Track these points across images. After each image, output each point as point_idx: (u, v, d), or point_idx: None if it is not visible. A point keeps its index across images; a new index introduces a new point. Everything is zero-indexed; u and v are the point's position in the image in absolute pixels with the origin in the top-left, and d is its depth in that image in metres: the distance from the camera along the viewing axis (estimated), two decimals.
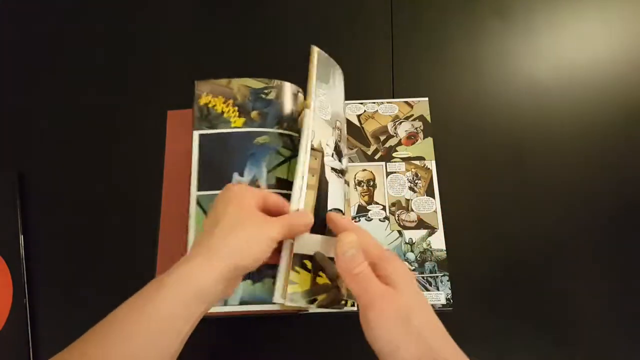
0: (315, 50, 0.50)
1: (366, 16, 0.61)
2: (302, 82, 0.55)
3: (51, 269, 0.53)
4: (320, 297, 0.40)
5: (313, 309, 0.42)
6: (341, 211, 0.45)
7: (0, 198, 0.54)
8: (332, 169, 0.46)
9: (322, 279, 0.41)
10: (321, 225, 0.42)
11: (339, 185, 0.47)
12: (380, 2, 0.61)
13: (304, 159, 0.43)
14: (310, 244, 0.41)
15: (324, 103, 0.48)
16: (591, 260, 0.50)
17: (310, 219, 0.40)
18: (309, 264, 0.41)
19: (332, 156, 0.47)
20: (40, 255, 0.53)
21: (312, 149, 0.44)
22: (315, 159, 0.45)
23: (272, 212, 0.38)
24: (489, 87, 0.57)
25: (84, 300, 0.51)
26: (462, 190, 0.53)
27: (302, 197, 0.41)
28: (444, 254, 0.49)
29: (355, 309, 0.47)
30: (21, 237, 0.53)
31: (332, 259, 0.39)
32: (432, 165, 0.53)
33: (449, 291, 0.48)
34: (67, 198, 0.55)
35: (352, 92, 0.56)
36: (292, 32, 0.61)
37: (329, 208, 0.44)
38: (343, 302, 0.42)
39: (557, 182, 0.53)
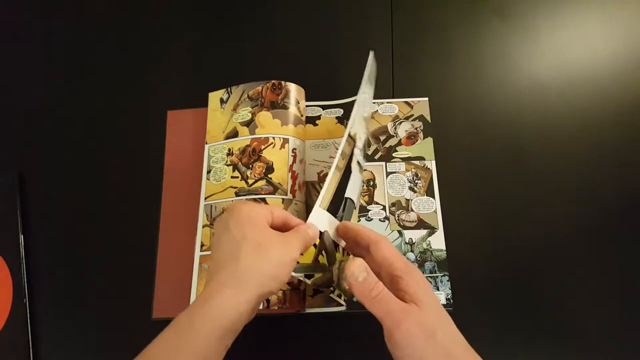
0: (372, 54, 0.52)
1: (366, 16, 0.61)
2: (301, 81, 0.55)
3: (51, 269, 0.53)
4: (317, 275, 0.40)
5: (307, 284, 0.41)
6: (353, 202, 0.46)
7: (0, 198, 0.54)
8: (357, 161, 0.47)
9: (322, 259, 0.40)
10: (335, 210, 0.42)
11: (358, 177, 0.47)
12: (380, 2, 0.61)
13: (342, 143, 0.45)
14: (323, 221, 0.40)
15: (366, 100, 0.50)
16: (591, 260, 0.50)
17: (317, 231, 0.39)
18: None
19: (360, 150, 0.48)
20: (40, 255, 0.53)
21: (349, 135, 0.46)
22: (349, 145, 0.46)
23: (278, 226, 0.38)
24: (489, 87, 0.57)
25: (84, 300, 0.51)
26: (462, 190, 0.52)
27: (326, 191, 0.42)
28: (443, 254, 0.49)
29: (343, 308, 0.47)
30: (21, 237, 0.53)
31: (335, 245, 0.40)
32: (432, 165, 0.53)
33: (449, 291, 0.48)
34: (67, 198, 0.55)
35: (353, 92, 0.56)
36: (292, 32, 0.61)
37: (345, 196, 0.44)
38: (332, 289, 0.42)
39: (558, 182, 0.53)
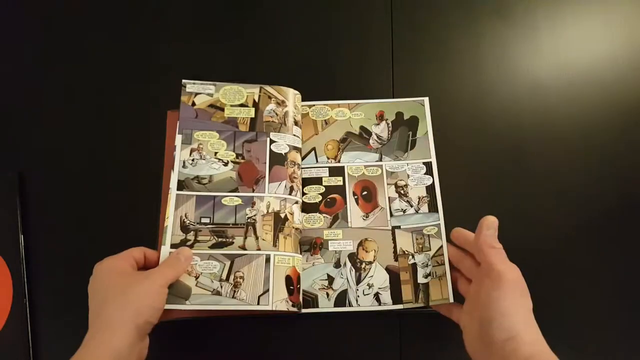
0: None
1: (366, 16, 0.61)
2: (301, 81, 0.55)
3: (51, 269, 0.53)
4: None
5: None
6: None
7: (0, 198, 0.54)
8: None
9: None
10: None
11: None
12: (380, 2, 0.61)
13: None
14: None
15: None
16: (592, 260, 0.50)
17: (188, 253, 0.45)
18: None
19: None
20: (40, 255, 0.53)
21: None
22: None
23: (151, 263, 0.45)
24: (489, 86, 0.57)
25: (84, 300, 0.51)
26: (462, 190, 0.53)
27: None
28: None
29: (352, 308, 0.47)
30: (21, 237, 0.53)
31: None
32: (432, 165, 0.53)
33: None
34: (67, 198, 0.55)
35: (352, 93, 0.56)
36: (292, 32, 0.61)
37: None
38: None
39: (558, 182, 0.53)
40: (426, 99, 0.55)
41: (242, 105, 0.52)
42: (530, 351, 0.35)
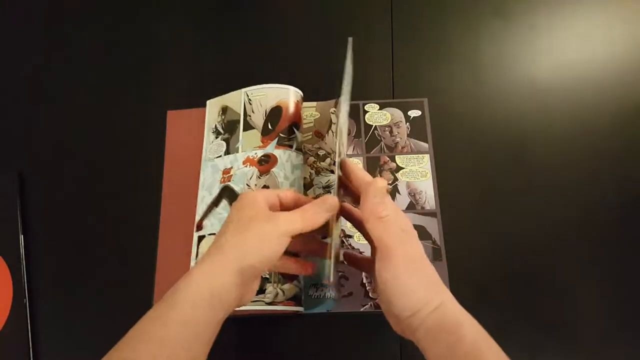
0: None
1: (366, 16, 0.61)
2: (302, 81, 0.55)
3: (51, 269, 0.53)
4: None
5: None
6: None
7: (0, 198, 0.54)
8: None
9: None
10: None
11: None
12: (380, 2, 0.61)
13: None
14: None
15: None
16: (592, 259, 0.50)
17: (333, 201, 0.37)
18: None
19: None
20: (40, 255, 0.53)
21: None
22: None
23: (289, 209, 0.38)
24: (489, 87, 0.57)
25: (83, 300, 0.51)
26: (461, 191, 0.53)
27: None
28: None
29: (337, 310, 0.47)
30: (21, 237, 0.53)
31: None
32: (431, 164, 0.53)
33: None
34: (67, 198, 0.55)
35: (352, 93, 0.56)
36: (292, 32, 0.61)
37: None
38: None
39: (558, 182, 0.53)
40: (425, 100, 0.55)
41: None
42: (433, 324, 0.33)
